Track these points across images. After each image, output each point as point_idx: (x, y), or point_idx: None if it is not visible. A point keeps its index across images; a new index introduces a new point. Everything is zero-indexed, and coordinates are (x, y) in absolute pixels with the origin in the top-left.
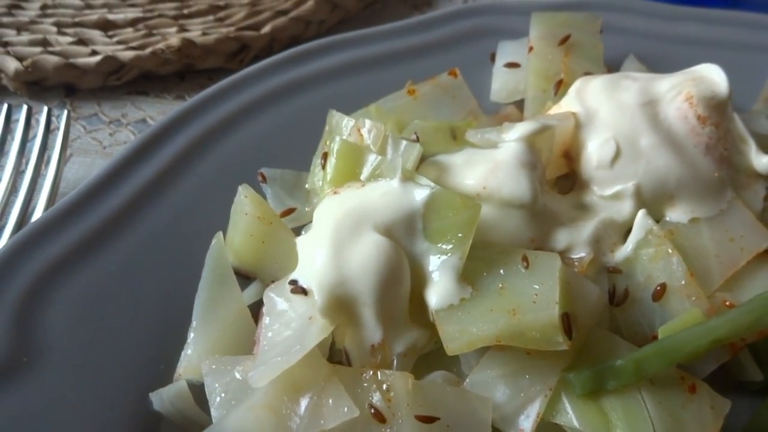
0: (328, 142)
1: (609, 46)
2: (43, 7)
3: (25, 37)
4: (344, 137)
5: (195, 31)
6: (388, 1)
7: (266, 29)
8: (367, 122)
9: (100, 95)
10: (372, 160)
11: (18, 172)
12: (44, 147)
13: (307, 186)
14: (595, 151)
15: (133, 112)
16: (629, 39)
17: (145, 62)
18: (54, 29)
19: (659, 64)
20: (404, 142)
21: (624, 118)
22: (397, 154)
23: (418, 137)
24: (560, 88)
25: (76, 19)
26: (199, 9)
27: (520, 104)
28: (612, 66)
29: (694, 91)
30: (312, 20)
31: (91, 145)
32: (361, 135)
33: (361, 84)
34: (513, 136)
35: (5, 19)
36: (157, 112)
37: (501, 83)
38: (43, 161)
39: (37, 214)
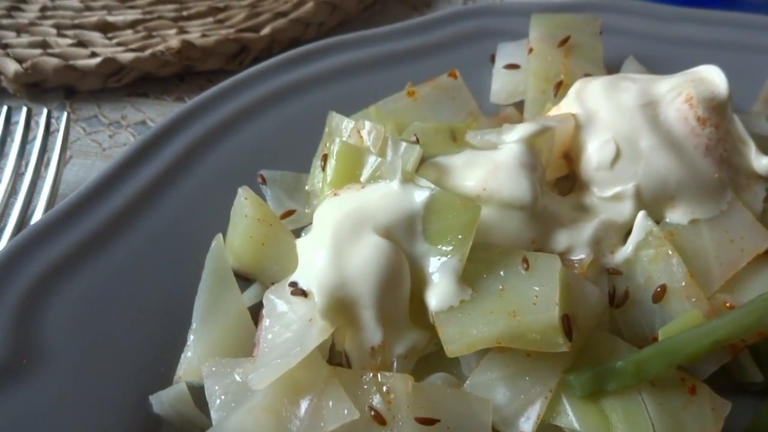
0: (327, 144)
1: (608, 47)
2: (43, 9)
3: (25, 39)
4: (344, 139)
5: (194, 33)
6: (388, 2)
7: (266, 31)
8: (367, 124)
9: (99, 97)
10: (372, 161)
11: (18, 174)
12: (44, 149)
13: (307, 188)
14: (595, 152)
15: (133, 113)
16: (629, 40)
17: (144, 64)
18: (54, 31)
19: (659, 65)
20: (404, 144)
21: (624, 119)
22: (396, 156)
23: (417, 139)
24: (560, 89)
25: (76, 21)
26: (199, 11)
27: (519, 105)
28: (612, 67)
29: (694, 93)
30: (312, 22)
31: (90, 146)
32: (361, 137)
33: (361, 85)
34: (513, 138)
35: (5, 21)
36: (156, 113)
37: (501, 84)
38: (42, 163)
39: (37, 215)
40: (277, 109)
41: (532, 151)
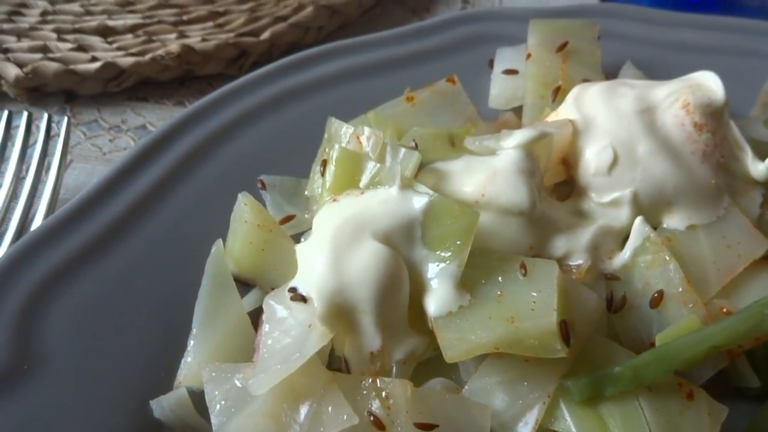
0: (327, 150)
1: (606, 52)
2: (43, 13)
3: (25, 43)
4: (343, 145)
5: (194, 38)
6: (387, 6)
7: (265, 35)
8: (366, 130)
9: (100, 101)
10: (371, 167)
11: (18, 179)
12: (44, 153)
13: (306, 193)
14: (592, 158)
15: (133, 118)
16: (626, 45)
17: (144, 68)
18: (54, 35)
19: (656, 70)
20: (403, 150)
21: (621, 125)
22: (395, 162)
23: (416, 144)
24: (558, 94)
25: (76, 26)
26: (199, 15)
27: (518, 111)
28: (609, 72)
29: (691, 99)
30: (311, 26)
31: (91, 151)
32: (360, 142)
33: (360, 91)
34: (511, 144)
35: (5, 26)
36: (156, 118)
37: (499, 90)
38: (43, 168)
39: (38, 220)
40: (276, 114)
41: (530, 157)
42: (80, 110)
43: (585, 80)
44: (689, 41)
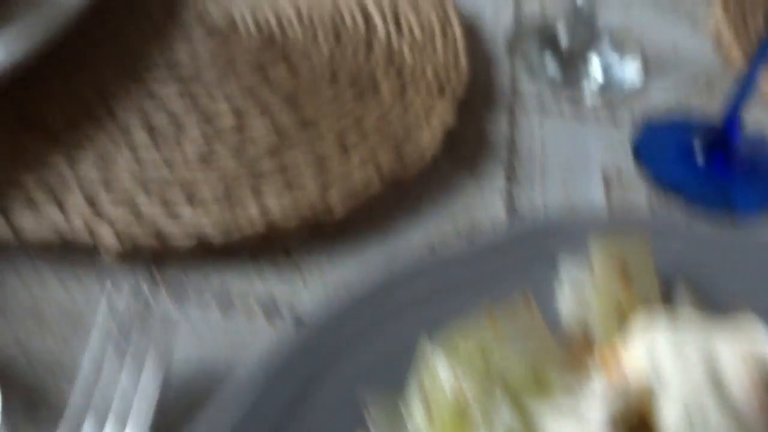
0: (424, 378)
1: (660, 266)
2: (127, 163)
3: (112, 196)
4: (444, 388)
5: (271, 201)
6: (442, 169)
7: (338, 207)
8: (463, 374)
9: (185, 263)
10: (476, 421)
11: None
12: (142, 345)
13: (407, 424)
14: (667, 417)
15: (217, 282)
16: (679, 259)
17: (231, 244)
18: (141, 192)
19: (710, 290)
20: (502, 404)
21: (693, 389)
22: (498, 420)
23: (506, 385)
24: (622, 317)
25: (161, 178)
26: (270, 171)
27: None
28: (664, 289)
29: (757, 374)
30: (376, 197)
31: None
32: (460, 386)
33: (442, 310)
34: (597, 416)
35: (92, 175)
36: (239, 286)
37: (568, 309)
38: (142, 362)
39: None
40: (374, 337)
41: (617, 424)
42: (165, 269)
43: (645, 303)
44: (734, 258)
